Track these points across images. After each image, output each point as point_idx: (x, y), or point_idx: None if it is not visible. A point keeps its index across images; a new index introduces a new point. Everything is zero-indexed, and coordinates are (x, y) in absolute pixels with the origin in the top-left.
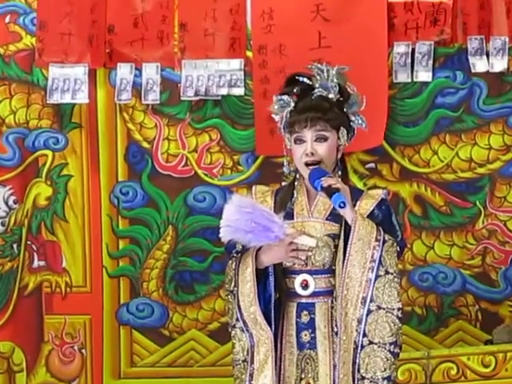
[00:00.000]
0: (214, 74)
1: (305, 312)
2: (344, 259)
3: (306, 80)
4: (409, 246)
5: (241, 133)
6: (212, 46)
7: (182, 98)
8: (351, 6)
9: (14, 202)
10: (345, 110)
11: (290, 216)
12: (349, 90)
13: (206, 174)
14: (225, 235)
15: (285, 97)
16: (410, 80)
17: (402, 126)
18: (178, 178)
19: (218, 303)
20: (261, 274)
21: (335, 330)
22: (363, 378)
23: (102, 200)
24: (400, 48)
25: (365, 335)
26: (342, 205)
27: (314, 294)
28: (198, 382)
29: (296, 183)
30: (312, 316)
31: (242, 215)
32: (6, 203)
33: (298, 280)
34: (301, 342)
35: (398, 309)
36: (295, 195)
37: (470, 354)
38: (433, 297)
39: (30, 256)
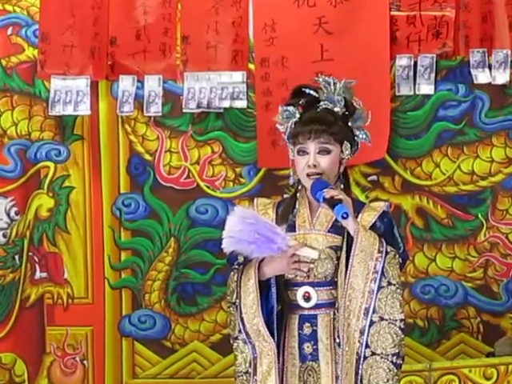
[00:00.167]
0: (216, 87)
1: (307, 324)
2: (346, 270)
3: (312, 92)
4: (411, 258)
5: (243, 145)
6: (214, 58)
7: (184, 111)
8: (353, 18)
9: (16, 214)
10: (349, 124)
11: (291, 228)
12: (355, 104)
13: (208, 187)
14: (227, 246)
15: (290, 107)
16: (412, 93)
17: (404, 138)
18: (180, 190)
19: (220, 315)
20: (263, 286)
21: (337, 341)
22: None
23: (104, 212)
24: (402, 61)
25: (367, 346)
26: (345, 215)
27: (316, 306)
28: None
29: (298, 195)
30: (314, 328)
31: (245, 226)
32: (8, 215)
33: (300, 292)
34: (303, 354)
35: (401, 320)
36: (297, 207)
37: (472, 367)
38: (435, 309)
39: (32, 267)
